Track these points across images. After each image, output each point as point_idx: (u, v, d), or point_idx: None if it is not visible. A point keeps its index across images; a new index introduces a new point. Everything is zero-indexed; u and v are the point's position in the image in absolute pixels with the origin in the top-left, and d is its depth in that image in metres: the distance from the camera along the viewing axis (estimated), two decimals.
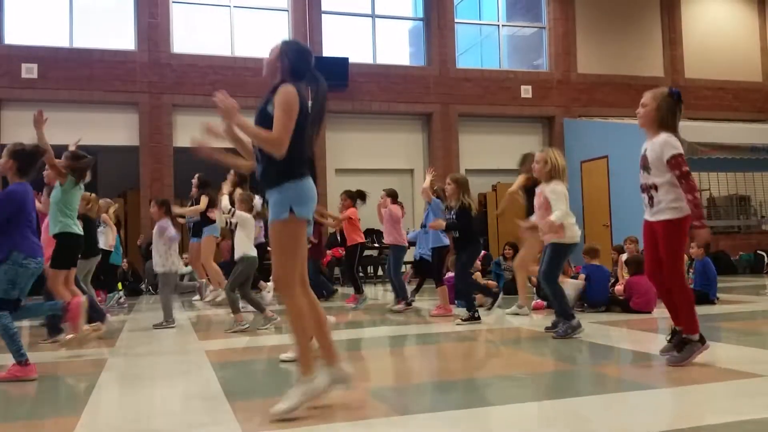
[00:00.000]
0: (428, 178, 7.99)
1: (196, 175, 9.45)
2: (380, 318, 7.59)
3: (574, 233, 5.64)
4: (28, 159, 4.67)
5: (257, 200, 7.52)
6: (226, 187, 7.84)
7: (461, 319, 6.60)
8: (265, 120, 3.27)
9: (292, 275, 3.26)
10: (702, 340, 4.07)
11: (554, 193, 5.60)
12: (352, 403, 3.47)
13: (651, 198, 4.11)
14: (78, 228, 5.93)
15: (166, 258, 7.13)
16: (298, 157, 3.29)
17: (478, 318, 6.60)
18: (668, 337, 4.24)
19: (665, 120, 4.08)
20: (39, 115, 5.64)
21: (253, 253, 6.85)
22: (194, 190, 9.60)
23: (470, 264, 7.05)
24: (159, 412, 3.57)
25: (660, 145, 4.03)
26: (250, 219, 6.93)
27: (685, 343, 4.06)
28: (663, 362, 4.20)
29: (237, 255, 6.80)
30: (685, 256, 6.85)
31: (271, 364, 4.82)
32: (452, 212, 6.77)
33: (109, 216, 9.23)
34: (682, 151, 4.00)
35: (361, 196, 9.01)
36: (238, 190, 7.97)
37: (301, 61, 3.39)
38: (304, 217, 3.27)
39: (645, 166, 4.14)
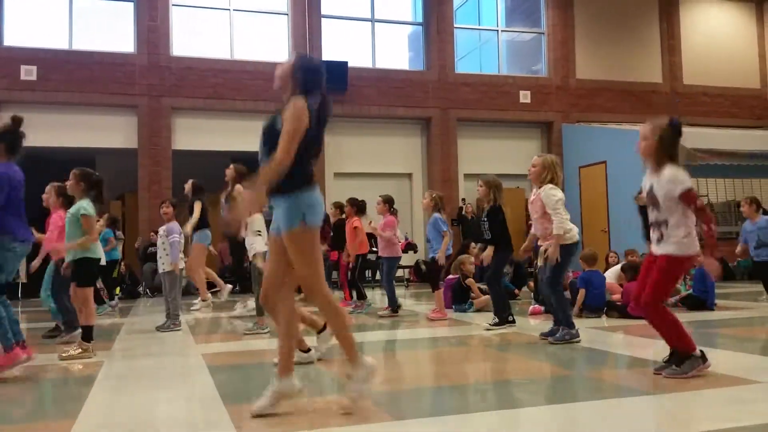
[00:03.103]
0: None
1: (190, 181, 9.14)
2: (376, 323, 7.58)
3: (573, 233, 5.56)
4: (13, 136, 4.61)
5: None
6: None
7: (489, 324, 6.55)
8: (273, 137, 3.32)
9: (320, 280, 3.37)
10: (704, 358, 3.96)
11: (548, 198, 5.49)
12: (349, 408, 3.46)
13: (662, 234, 4.01)
14: (98, 251, 5.57)
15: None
16: (308, 166, 3.39)
17: (513, 321, 6.56)
18: (665, 358, 4.12)
19: (667, 152, 4.01)
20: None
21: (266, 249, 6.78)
22: (186, 195, 9.24)
23: (502, 267, 6.88)
24: (155, 415, 3.56)
25: (667, 182, 3.94)
26: (260, 217, 6.85)
27: (685, 358, 3.95)
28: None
29: (252, 253, 6.71)
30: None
31: (267, 368, 4.81)
32: (483, 215, 6.70)
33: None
34: (690, 184, 3.92)
35: (362, 209, 8.98)
36: (238, 186, 7.83)
37: (313, 76, 3.45)
38: (315, 225, 3.35)
39: (655, 204, 4.05)
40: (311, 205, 3.34)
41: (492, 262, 6.60)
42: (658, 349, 5.45)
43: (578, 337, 5.47)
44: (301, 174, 3.33)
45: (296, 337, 3.48)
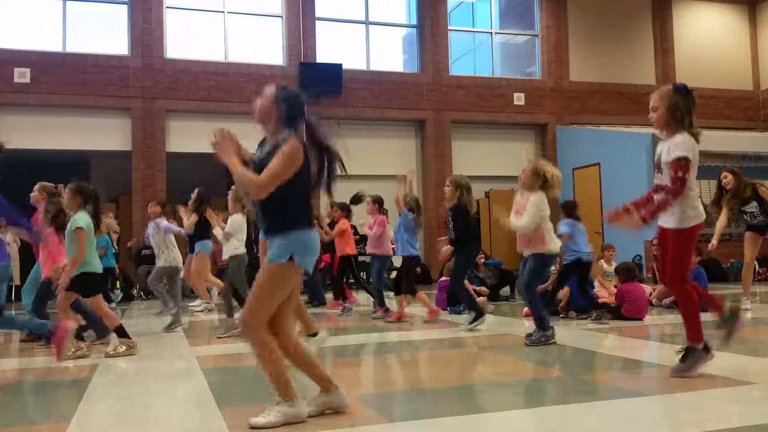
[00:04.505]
0: (401, 191, 8.10)
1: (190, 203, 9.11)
2: (366, 325, 7.59)
3: (555, 244, 5.70)
4: None
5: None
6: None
7: (468, 323, 6.60)
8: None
9: (265, 316, 3.19)
10: (706, 349, 3.92)
11: (531, 203, 5.58)
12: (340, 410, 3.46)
13: None
14: (98, 264, 5.54)
15: (168, 252, 7.33)
16: (303, 206, 3.28)
17: (482, 315, 6.65)
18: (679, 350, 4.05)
19: (680, 118, 3.88)
20: None
21: (242, 251, 6.83)
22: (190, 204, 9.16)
23: (465, 267, 7.04)
24: (149, 417, 3.56)
25: (675, 144, 3.85)
26: (238, 220, 6.85)
27: (689, 352, 3.92)
28: (653, 370, 4.20)
29: (227, 256, 6.84)
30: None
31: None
32: (448, 214, 6.80)
33: None
34: (690, 156, 3.83)
35: (354, 200, 8.98)
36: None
37: (296, 105, 3.34)
38: (303, 267, 3.23)
39: (658, 167, 3.97)
40: (304, 246, 3.21)
41: (456, 262, 6.76)
42: (651, 351, 5.47)
43: (553, 338, 5.50)
44: (295, 214, 3.22)
45: (281, 360, 3.32)
